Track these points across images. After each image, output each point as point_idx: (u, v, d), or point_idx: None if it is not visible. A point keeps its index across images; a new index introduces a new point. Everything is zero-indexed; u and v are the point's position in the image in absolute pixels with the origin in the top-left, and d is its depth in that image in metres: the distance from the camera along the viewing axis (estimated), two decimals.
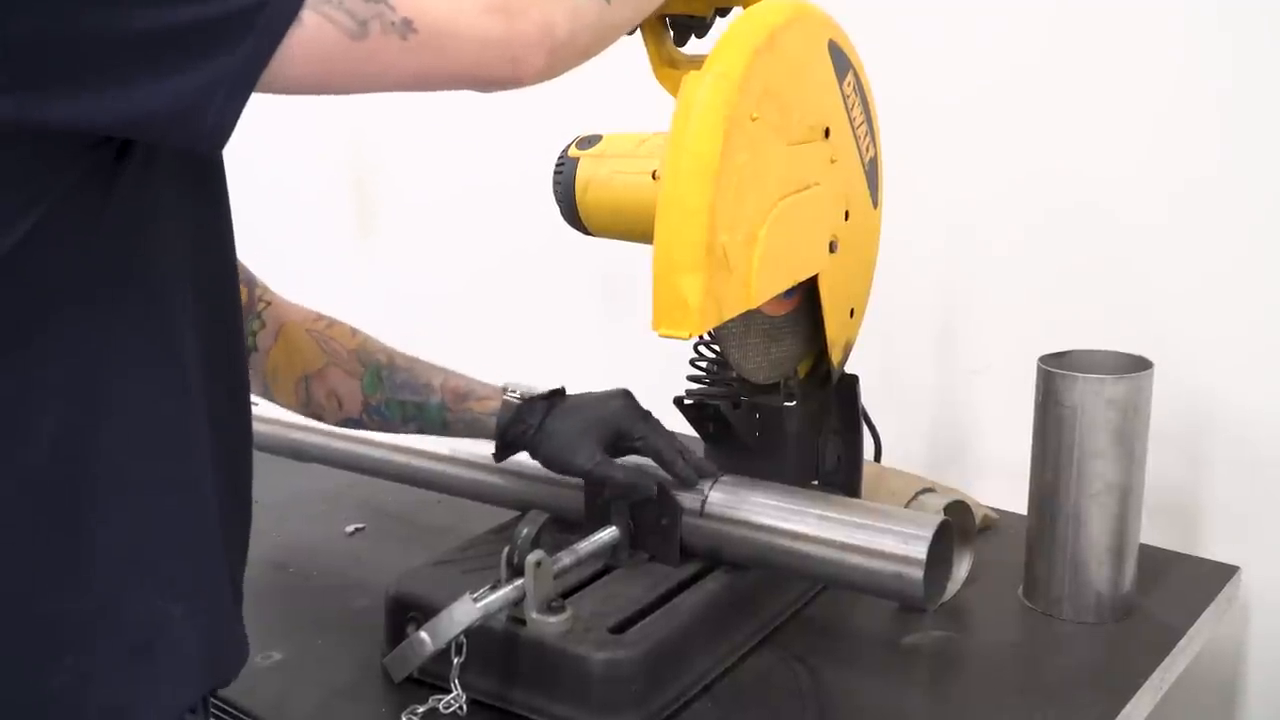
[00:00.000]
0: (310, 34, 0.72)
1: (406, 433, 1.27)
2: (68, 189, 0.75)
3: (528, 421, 1.22)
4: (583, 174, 1.25)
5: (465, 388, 1.25)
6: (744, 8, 1.16)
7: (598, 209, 1.26)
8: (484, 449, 1.35)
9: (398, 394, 1.23)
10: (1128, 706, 1.12)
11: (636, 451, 1.21)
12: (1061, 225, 1.53)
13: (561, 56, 0.84)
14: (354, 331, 1.25)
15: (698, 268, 1.01)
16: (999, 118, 1.56)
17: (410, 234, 2.33)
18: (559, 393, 1.24)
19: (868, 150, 1.25)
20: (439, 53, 0.78)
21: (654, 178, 1.18)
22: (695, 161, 1.01)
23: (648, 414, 1.23)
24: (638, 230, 1.19)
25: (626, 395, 1.24)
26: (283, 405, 1.25)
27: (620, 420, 1.21)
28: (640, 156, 1.23)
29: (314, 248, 2.48)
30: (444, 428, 1.25)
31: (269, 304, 1.24)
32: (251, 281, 1.24)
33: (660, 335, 1.03)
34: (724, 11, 1.21)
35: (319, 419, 1.25)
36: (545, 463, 1.22)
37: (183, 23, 0.69)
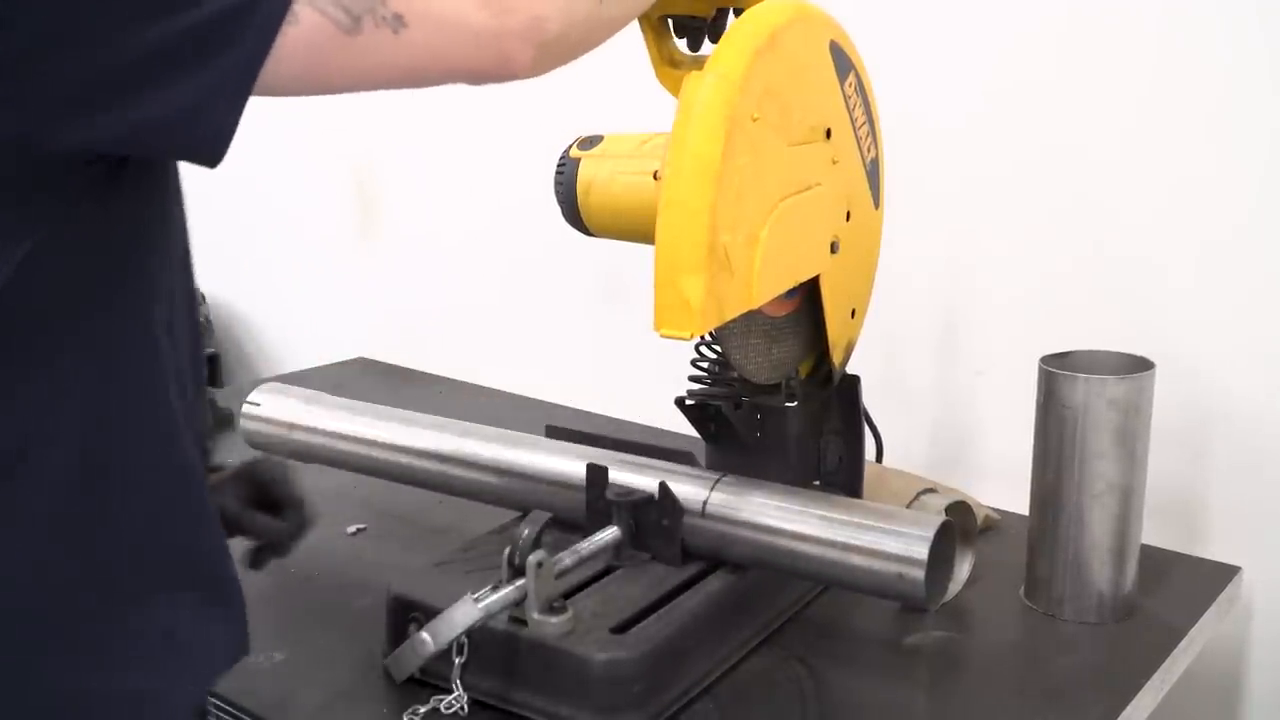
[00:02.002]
0: (305, 30, 0.73)
1: None
2: (66, 210, 0.76)
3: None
4: (584, 175, 1.25)
5: None
6: (746, 8, 1.16)
7: (599, 210, 1.26)
8: (484, 449, 1.36)
9: None
10: (1129, 707, 1.12)
11: None
12: (1063, 226, 1.53)
13: (552, 52, 0.84)
14: None
15: (699, 268, 1.01)
16: (1000, 118, 1.56)
17: (411, 235, 2.33)
18: None
19: (869, 151, 1.25)
20: (430, 47, 0.78)
21: (655, 178, 1.18)
22: (697, 162, 1.02)
23: None
24: (639, 231, 1.19)
25: None
26: None
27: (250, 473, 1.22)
28: (642, 157, 1.23)
29: (316, 249, 2.48)
30: None
31: None
32: None
33: (662, 336, 1.04)
34: (738, 11, 1.21)
35: None
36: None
37: (178, 31, 0.69)
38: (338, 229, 2.44)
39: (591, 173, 1.25)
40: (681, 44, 1.25)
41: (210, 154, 0.73)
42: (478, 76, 0.82)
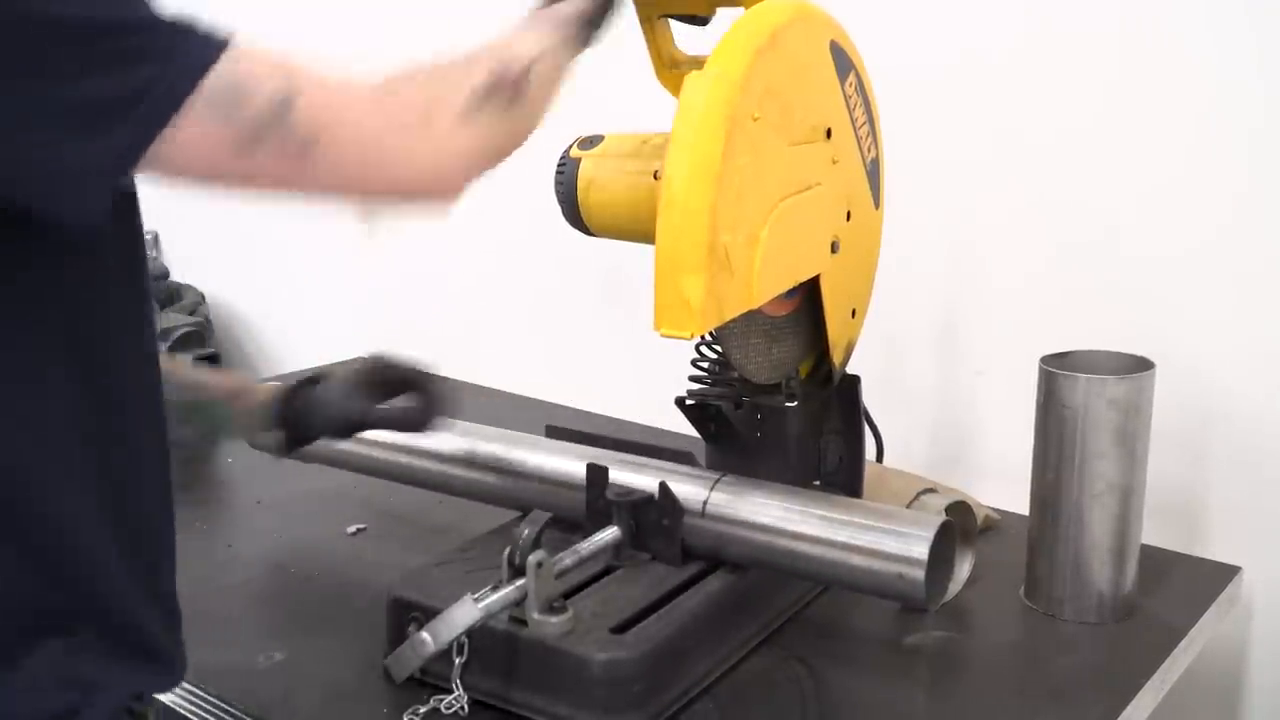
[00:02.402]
0: (192, 138, 0.72)
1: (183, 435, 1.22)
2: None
3: (296, 400, 1.18)
4: (584, 174, 1.25)
5: (238, 382, 1.22)
6: (745, 8, 1.16)
7: (599, 209, 1.25)
8: (484, 449, 1.36)
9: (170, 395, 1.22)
10: (1129, 707, 1.12)
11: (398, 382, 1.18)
12: (1063, 226, 1.53)
13: (482, 174, 0.86)
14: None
15: (699, 268, 1.01)
16: (1001, 119, 1.56)
17: (412, 235, 2.33)
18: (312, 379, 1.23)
19: (869, 151, 1.25)
20: (342, 175, 0.78)
21: (656, 178, 1.18)
22: (697, 162, 1.02)
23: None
24: (639, 230, 1.19)
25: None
26: None
27: (372, 369, 1.18)
28: (642, 157, 1.23)
29: (316, 249, 2.48)
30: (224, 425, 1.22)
31: None
32: None
33: (662, 335, 1.04)
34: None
35: None
36: (323, 428, 1.17)
37: (66, 99, 0.68)
38: (338, 229, 2.44)
39: (592, 172, 1.25)
40: (681, 44, 1.24)
41: (74, 224, 0.72)
42: (398, 202, 0.83)
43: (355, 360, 1.21)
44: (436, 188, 0.83)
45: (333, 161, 0.76)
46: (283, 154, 0.74)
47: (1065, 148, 1.51)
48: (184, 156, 0.72)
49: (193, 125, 0.71)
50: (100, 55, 0.69)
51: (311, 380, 1.18)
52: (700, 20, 1.22)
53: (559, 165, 1.27)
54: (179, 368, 1.21)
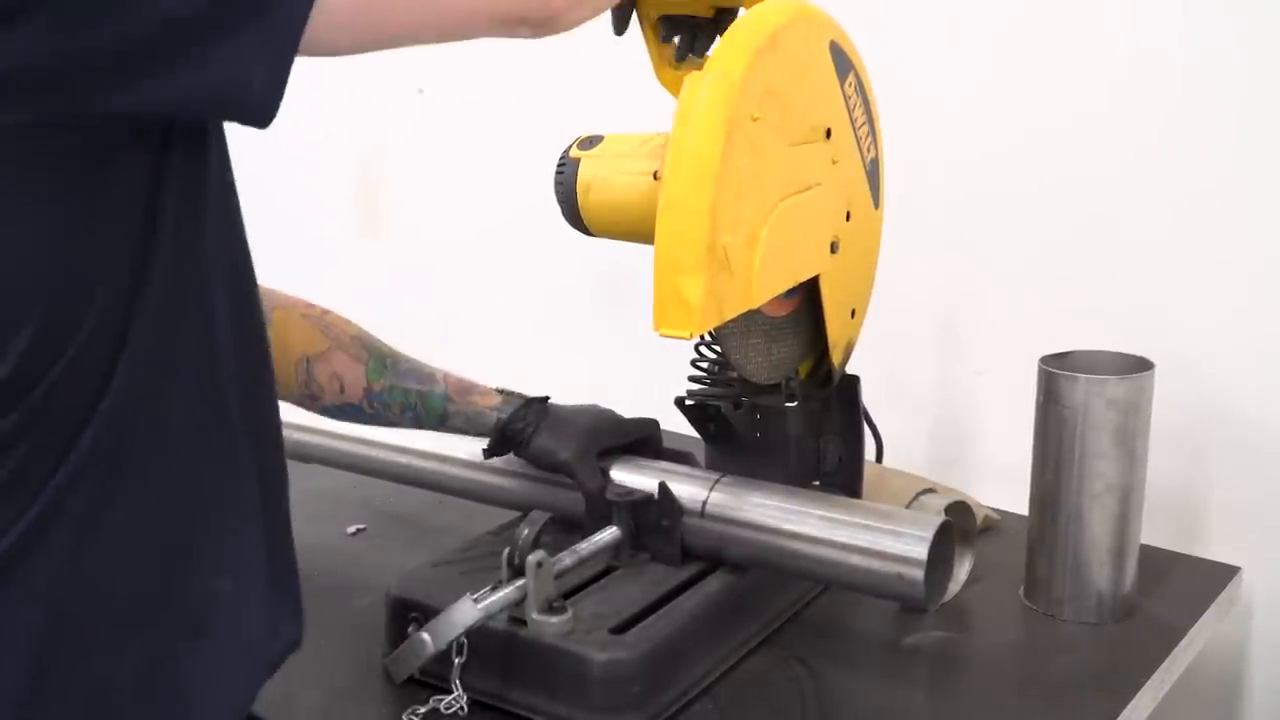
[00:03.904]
0: None
1: (400, 424, 1.26)
2: (118, 183, 0.75)
3: (527, 419, 1.26)
4: (584, 174, 1.25)
5: (467, 383, 1.27)
6: (746, 8, 1.16)
7: (599, 209, 1.25)
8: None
9: (403, 381, 1.23)
10: (1129, 707, 1.12)
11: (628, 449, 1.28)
12: (1063, 225, 1.53)
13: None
14: (348, 320, 1.26)
15: (699, 268, 1.01)
16: (1001, 118, 1.56)
17: (413, 235, 2.33)
18: (547, 399, 1.30)
19: (869, 150, 1.25)
20: None
21: (655, 178, 1.18)
22: (696, 162, 1.01)
23: (629, 425, 1.31)
24: (639, 230, 1.19)
25: (611, 411, 1.32)
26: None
27: (608, 429, 1.28)
28: (642, 157, 1.22)
29: (317, 248, 2.48)
30: (442, 420, 1.26)
31: None
32: None
33: (661, 335, 1.04)
34: (732, 13, 1.21)
35: (313, 401, 1.23)
36: (534, 457, 1.26)
37: None
38: (339, 229, 2.44)
39: (591, 172, 1.25)
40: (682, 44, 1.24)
41: (259, 117, 0.72)
42: (518, 22, 0.82)
43: (592, 407, 1.31)
44: (553, 8, 0.83)
45: None
46: None
47: (1065, 147, 1.51)
48: (346, 4, 0.73)
49: None
50: None
51: (539, 402, 1.27)
52: (700, 21, 1.21)
53: (559, 165, 1.27)
54: (423, 363, 1.26)
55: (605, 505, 1.22)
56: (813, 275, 1.19)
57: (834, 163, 1.18)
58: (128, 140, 0.74)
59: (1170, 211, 1.45)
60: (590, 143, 1.27)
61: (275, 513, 0.92)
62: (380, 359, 1.23)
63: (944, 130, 1.59)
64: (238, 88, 0.71)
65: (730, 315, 1.06)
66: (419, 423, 1.26)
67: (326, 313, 1.24)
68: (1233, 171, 1.40)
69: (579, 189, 1.25)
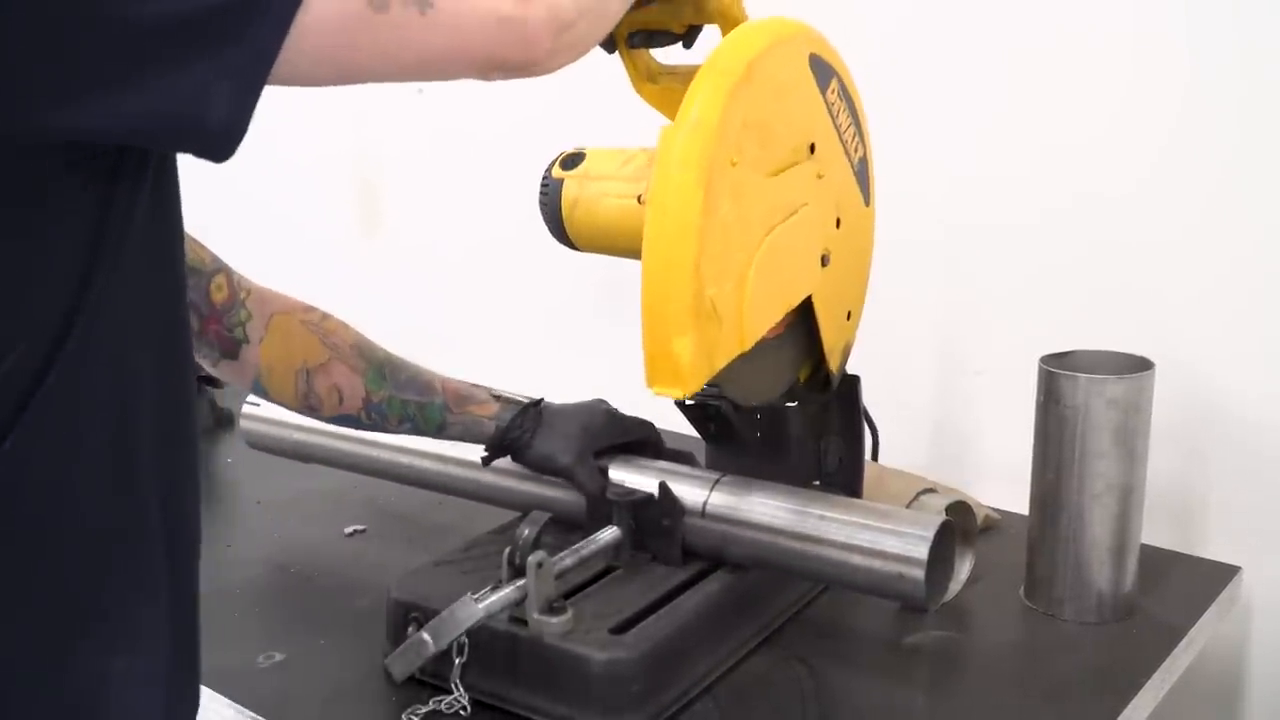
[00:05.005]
0: (328, 6, 0.69)
1: (397, 432, 1.26)
2: (59, 213, 0.71)
3: (524, 426, 1.27)
4: (568, 196, 1.24)
5: (465, 391, 1.27)
6: (718, 25, 1.13)
7: (585, 231, 1.24)
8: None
9: (401, 392, 1.23)
10: (1129, 707, 1.12)
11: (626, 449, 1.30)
12: (1063, 225, 1.53)
13: (567, 41, 0.83)
14: (346, 326, 1.25)
15: (687, 328, 1.01)
16: (1000, 118, 1.56)
17: (413, 235, 2.33)
18: (541, 401, 1.31)
19: (856, 151, 1.22)
20: (456, 30, 0.76)
21: (640, 202, 1.16)
22: (678, 221, 1.00)
23: (627, 424, 1.32)
24: (627, 251, 1.17)
25: (608, 406, 1.33)
26: (274, 398, 1.22)
27: (605, 428, 1.30)
28: (624, 179, 1.21)
29: (317, 249, 2.48)
30: (440, 429, 1.26)
31: (249, 292, 1.19)
32: (227, 269, 1.19)
33: (654, 394, 1.05)
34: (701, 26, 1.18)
35: (312, 412, 1.22)
36: (533, 463, 1.28)
37: (183, 13, 0.64)
38: (339, 229, 2.44)
39: (575, 194, 1.24)
40: (658, 55, 1.22)
41: (219, 150, 0.68)
42: (498, 65, 0.80)
43: (588, 405, 1.33)
44: (525, 42, 0.80)
45: (449, 13, 0.75)
46: (405, 12, 0.73)
47: (1065, 147, 1.51)
48: (325, 30, 0.70)
49: None
50: None
51: (534, 406, 1.29)
52: (675, 38, 1.19)
53: (542, 185, 1.26)
54: (421, 370, 1.26)
55: (606, 506, 1.22)
56: (804, 296, 1.17)
57: (819, 178, 1.15)
58: (62, 172, 0.70)
59: (1170, 211, 1.45)
60: (572, 161, 1.25)
61: (182, 588, 0.85)
62: (379, 369, 1.23)
63: (945, 131, 1.59)
64: (197, 116, 0.66)
65: (722, 365, 1.05)
66: (417, 432, 1.26)
67: (326, 318, 1.23)
68: (1233, 172, 1.40)
69: (564, 210, 1.25)
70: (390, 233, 2.38)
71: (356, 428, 1.26)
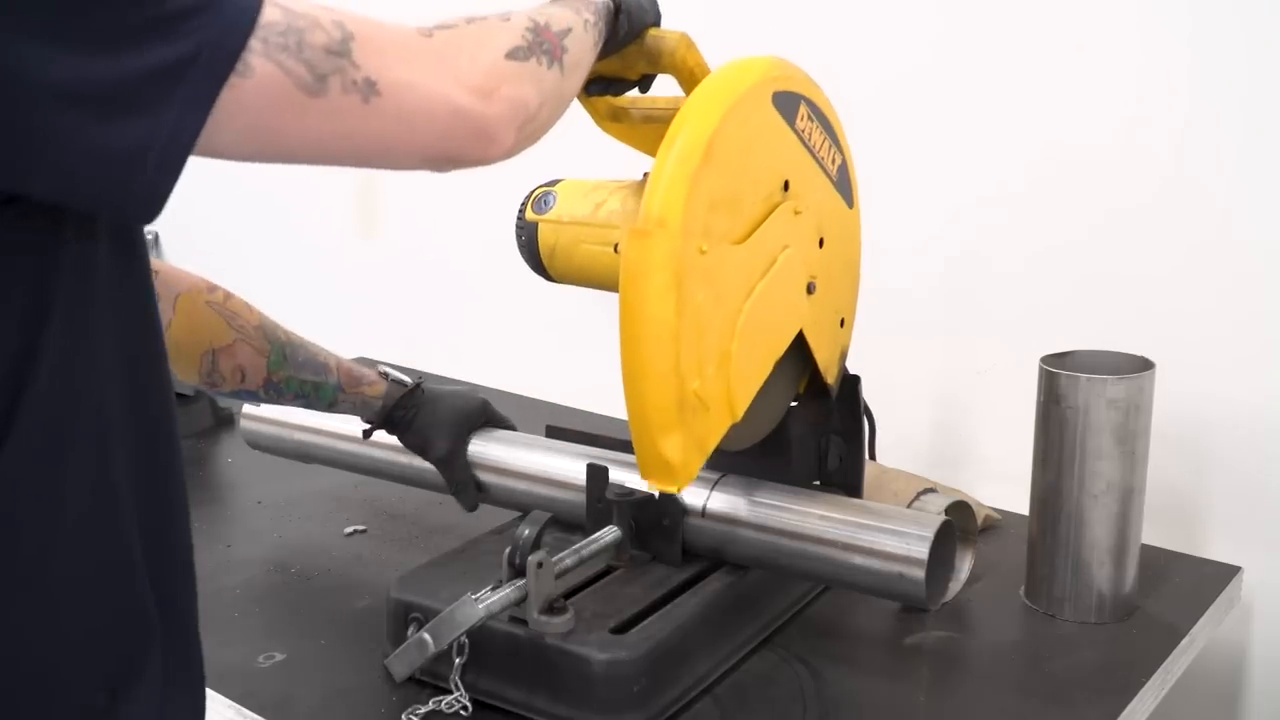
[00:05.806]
0: (259, 84, 0.66)
1: (289, 405, 1.32)
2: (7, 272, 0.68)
3: (407, 407, 1.34)
4: (545, 241, 1.25)
5: (357, 373, 1.33)
6: (672, 74, 1.10)
7: (567, 274, 1.26)
8: (485, 451, 1.36)
9: (299, 372, 1.28)
10: (1129, 707, 1.12)
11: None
12: (1063, 226, 1.53)
13: (528, 133, 0.82)
14: (250, 306, 1.27)
15: (673, 426, 1.02)
16: (1001, 118, 1.56)
17: (413, 235, 2.33)
18: (420, 384, 1.37)
19: (834, 161, 1.19)
20: (401, 121, 0.72)
21: (616, 251, 1.16)
22: (652, 327, 1.00)
23: (499, 417, 1.41)
24: (610, 289, 1.15)
25: (483, 399, 1.41)
26: (178, 376, 1.20)
27: (478, 417, 1.38)
28: (598, 225, 1.21)
29: (316, 249, 2.48)
30: (331, 406, 1.32)
31: (156, 273, 1.17)
32: None
33: (650, 488, 1.06)
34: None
35: (212, 388, 1.26)
36: (411, 445, 1.36)
37: (102, 78, 0.62)
38: (339, 229, 2.44)
39: (552, 241, 1.25)
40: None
41: (140, 217, 0.66)
42: (451, 159, 0.77)
43: (464, 393, 1.40)
44: (484, 138, 0.78)
45: (395, 103, 0.72)
46: (345, 95, 0.69)
47: (1066, 147, 1.51)
48: (253, 109, 0.66)
49: (259, 68, 0.66)
50: (138, 22, 0.62)
51: (418, 387, 1.36)
52: (630, 84, 1.14)
53: (517, 227, 1.27)
54: (318, 350, 1.32)
55: (476, 490, 1.34)
56: (793, 334, 1.15)
57: (796, 214, 1.13)
58: (13, 219, 0.67)
59: (1171, 211, 1.45)
60: (543, 203, 1.26)
61: (173, 617, 0.82)
62: (281, 350, 1.27)
63: (946, 131, 1.59)
64: (118, 181, 0.64)
65: (714, 445, 1.06)
66: (309, 406, 1.32)
67: (229, 298, 1.26)
68: (1233, 172, 1.40)
69: (543, 254, 1.26)
70: (389, 233, 2.38)
71: (251, 401, 1.35)
